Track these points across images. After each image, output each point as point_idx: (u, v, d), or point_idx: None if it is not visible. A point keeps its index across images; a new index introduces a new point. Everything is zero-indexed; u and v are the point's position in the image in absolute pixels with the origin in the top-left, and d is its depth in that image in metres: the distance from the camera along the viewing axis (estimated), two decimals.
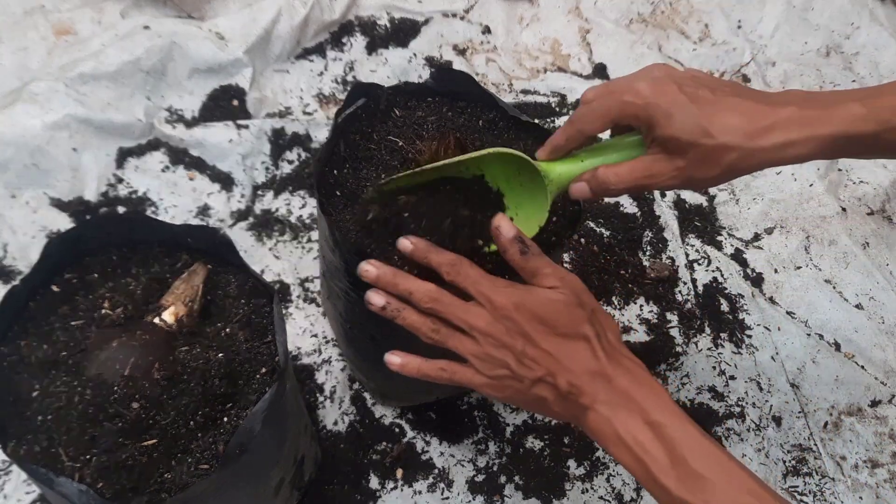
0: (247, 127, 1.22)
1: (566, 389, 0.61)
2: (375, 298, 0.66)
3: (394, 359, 0.68)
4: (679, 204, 1.31)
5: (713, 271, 1.23)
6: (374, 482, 0.96)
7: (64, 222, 1.09)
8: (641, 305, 1.17)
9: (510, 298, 0.62)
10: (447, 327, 0.64)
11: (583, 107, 0.69)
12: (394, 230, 0.70)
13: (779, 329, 1.18)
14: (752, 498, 0.55)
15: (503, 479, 0.98)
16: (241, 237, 1.14)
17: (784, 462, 1.05)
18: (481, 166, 0.72)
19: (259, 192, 1.21)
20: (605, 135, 0.75)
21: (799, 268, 1.26)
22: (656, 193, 1.29)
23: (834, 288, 1.24)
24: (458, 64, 1.43)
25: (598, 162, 0.70)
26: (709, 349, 1.14)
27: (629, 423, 0.59)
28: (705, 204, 1.33)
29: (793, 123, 0.62)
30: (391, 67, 1.39)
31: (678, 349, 1.13)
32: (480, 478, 0.98)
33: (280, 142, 1.25)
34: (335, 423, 1.00)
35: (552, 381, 0.61)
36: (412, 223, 0.70)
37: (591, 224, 1.24)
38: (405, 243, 0.66)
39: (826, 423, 1.10)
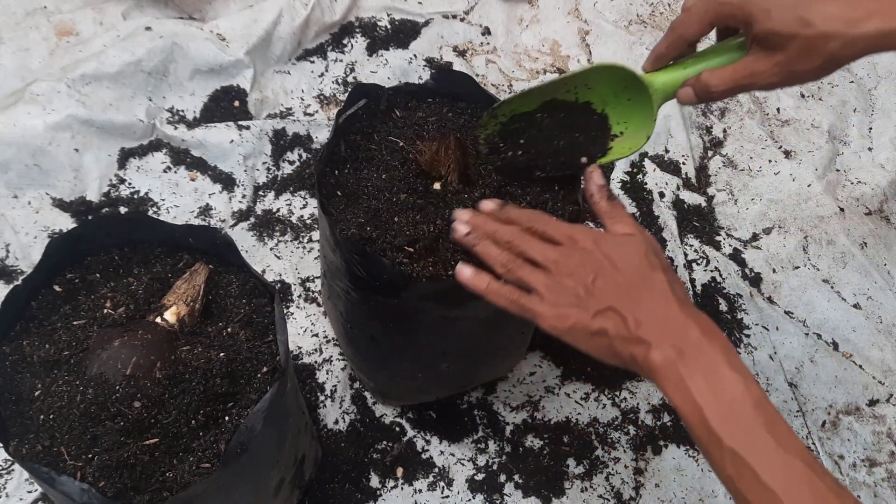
0: (248, 128, 1.23)
1: (632, 325, 0.61)
2: (460, 227, 0.71)
3: (464, 270, 0.70)
4: (678, 204, 1.31)
5: (712, 271, 1.24)
6: (374, 481, 0.96)
7: (66, 222, 1.10)
8: None
9: (590, 234, 0.66)
10: (521, 261, 0.67)
11: (682, 13, 0.70)
12: (508, 149, 0.81)
13: (777, 329, 1.18)
14: (804, 465, 0.54)
15: (503, 477, 0.99)
16: (243, 237, 1.15)
17: None
18: (588, 89, 0.76)
19: (260, 193, 1.21)
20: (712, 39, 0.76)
21: (797, 268, 1.26)
22: (655, 194, 1.30)
23: (832, 288, 1.24)
24: (459, 65, 1.43)
25: (702, 67, 0.71)
26: None
27: (695, 370, 0.59)
28: (704, 204, 1.33)
29: (894, 11, 0.62)
30: (392, 68, 1.39)
31: None
32: (480, 476, 0.99)
33: (281, 142, 1.25)
34: (336, 423, 1.01)
35: (619, 314, 0.62)
36: (524, 144, 0.80)
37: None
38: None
39: (824, 423, 1.10)
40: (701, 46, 0.73)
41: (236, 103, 1.27)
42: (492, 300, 0.68)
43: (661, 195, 1.31)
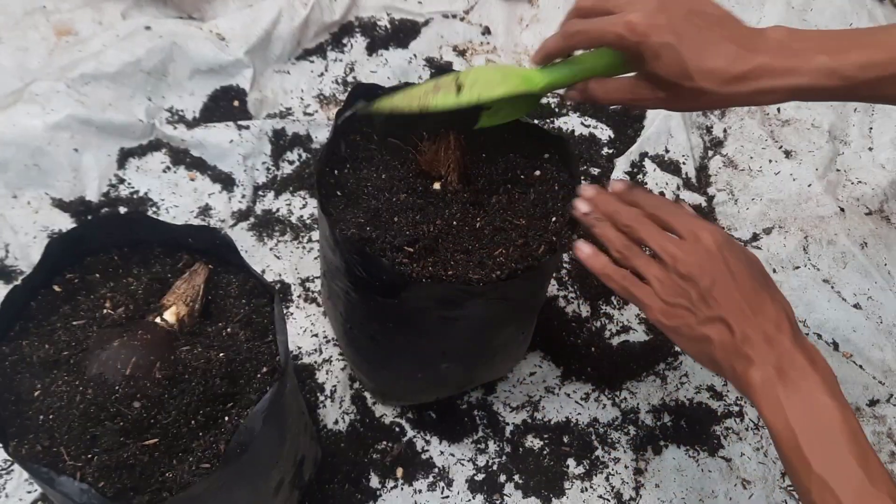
0: (247, 127, 1.22)
1: (739, 339, 0.62)
2: (580, 204, 0.73)
3: (584, 247, 0.72)
4: None
5: None
6: (374, 481, 0.96)
7: (65, 222, 1.10)
8: None
9: (715, 236, 0.65)
10: (638, 248, 0.69)
11: (578, 22, 0.72)
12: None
13: None
14: (891, 501, 0.55)
15: (503, 478, 0.99)
16: (242, 237, 1.15)
17: None
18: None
19: (260, 193, 1.21)
20: None
21: (797, 268, 1.26)
22: (655, 193, 1.30)
23: (832, 288, 1.24)
24: (458, 65, 1.43)
25: (589, 71, 0.73)
26: None
27: (793, 392, 0.59)
28: (704, 204, 1.33)
29: (766, 73, 0.65)
30: (391, 68, 1.39)
31: (677, 348, 1.13)
32: (480, 477, 0.98)
33: (281, 142, 1.25)
34: (335, 423, 1.00)
35: (728, 326, 0.62)
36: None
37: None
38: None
39: None
40: None
41: (236, 103, 1.27)
42: (604, 281, 0.71)
43: (662, 195, 1.31)
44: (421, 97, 0.74)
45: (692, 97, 0.67)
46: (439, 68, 1.41)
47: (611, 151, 1.36)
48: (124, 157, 1.18)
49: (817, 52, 0.65)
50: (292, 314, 1.09)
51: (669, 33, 0.65)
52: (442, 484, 0.97)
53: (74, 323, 0.68)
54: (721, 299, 0.63)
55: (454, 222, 0.79)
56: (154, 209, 1.15)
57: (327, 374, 1.04)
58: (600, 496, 0.99)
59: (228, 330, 0.70)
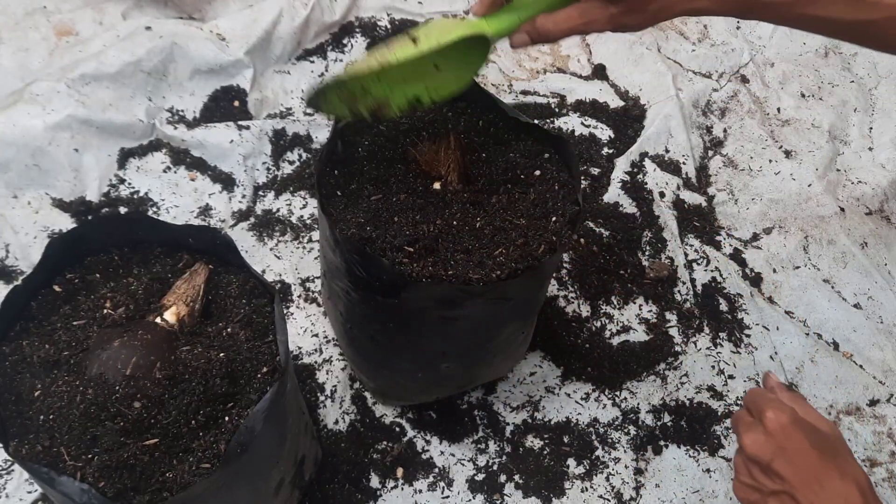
0: (248, 127, 1.22)
1: None
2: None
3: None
4: (678, 204, 1.31)
5: (712, 271, 1.24)
6: (374, 481, 0.96)
7: (65, 222, 1.10)
8: (641, 305, 1.17)
9: (778, 414, 0.69)
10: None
11: None
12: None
13: (777, 329, 1.18)
14: None
15: (503, 477, 0.99)
16: (243, 237, 1.15)
17: None
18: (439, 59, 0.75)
19: (260, 193, 1.21)
20: None
21: (797, 267, 1.26)
22: (655, 194, 1.30)
23: (832, 287, 1.24)
24: None
25: (534, 12, 0.72)
26: (708, 348, 1.14)
27: None
28: (704, 204, 1.33)
29: None
30: None
31: (677, 349, 1.13)
32: (480, 477, 0.98)
33: (281, 142, 1.25)
34: (336, 423, 1.00)
35: (793, 497, 0.65)
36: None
37: (591, 224, 1.25)
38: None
39: None
40: None
41: (236, 103, 1.27)
42: None
43: (662, 195, 1.31)
44: (378, 57, 0.72)
45: (641, 8, 0.70)
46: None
47: (611, 151, 1.36)
48: (125, 157, 1.18)
49: None
50: (292, 314, 1.09)
51: None
52: (442, 484, 0.97)
53: (75, 323, 0.68)
54: (784, 474, 0.66)
55: (454, 222, 0.79)
56: (154, 209, 1.15)
57: (327, 374, 1.04)
58: (600, 496, 0.99)
59: (229, 330, 0.70)
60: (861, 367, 1.16)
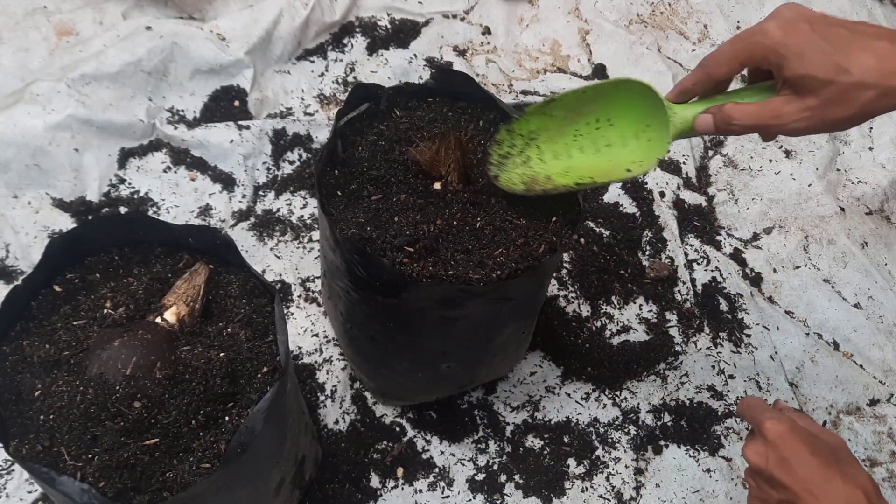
0: (248, 127, 1.23)
1: None
2: None
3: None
4: (678, 204, 1.31)
5: (712, 271, 1.24)
6: (374, 481, 0.96)
7: (66, 222, 1.10)
8: (641, 305, 1.17)
9: (775, 425, 0.69)
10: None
11: (712, 51, 0.68)
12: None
13: (777, 328, 1.18)
14: None
15: (503, 477, 0.99)
16: (243, 237, 1.15)
17: None
18: (611, 126, 0.76)
19: (260, 193, 1.21)
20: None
21: (798, 267, 1.26)
22: (655, 193, 1.30)
23: (832, 287, 1.24)
24: (459, 65, 1.43)
25: (724, 100, 0.69)
26: (708, 348, 1.14)
27: None
28: (704, 204, 1.33)
29: None
30: (392, 68, 1.39)
31: (677, 348, 1.13)
32: (481, 476, 0.98)
33: (281, 142, 1.25)
34: (336, 423, 1.01)
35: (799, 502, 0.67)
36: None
37: (591, 224, 1.25)
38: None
39: (825, 422, 1.10)
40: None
41: (236, 103, 1.27)
42: None
43: (662, 195, 1.31)
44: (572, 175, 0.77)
45: (849, 98, 0.62)
46: (439, 68, 1.41)
47: None
48: (125, 157, 1.18)
49: None
50: (293, 314, 1.09)
51: (811, 34, 0.62)
52: (442, 484, 0.97)
53: (75, 323, 0.68)
54: (786, 482, 0.67)
55: (454, 222, 0.79)
56: (154, 209, 1.15)
57: (328, 374, 1.04)
58: (601, 496, 0.99)
59: (229, 330, 0.70)
60: (861, 366, 1.16)
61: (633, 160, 0.74)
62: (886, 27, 0.65)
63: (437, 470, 0.98)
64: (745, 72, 0.71)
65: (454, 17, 1.51)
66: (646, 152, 0.74)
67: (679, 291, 1.19)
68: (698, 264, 1.24)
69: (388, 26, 1.46)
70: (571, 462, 1.01)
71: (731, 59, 0.67)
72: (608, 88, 0.75)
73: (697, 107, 0.70)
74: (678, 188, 1.32)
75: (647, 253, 1.23)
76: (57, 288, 0.71)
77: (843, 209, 1.34)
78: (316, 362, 1.05)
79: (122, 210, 1.13)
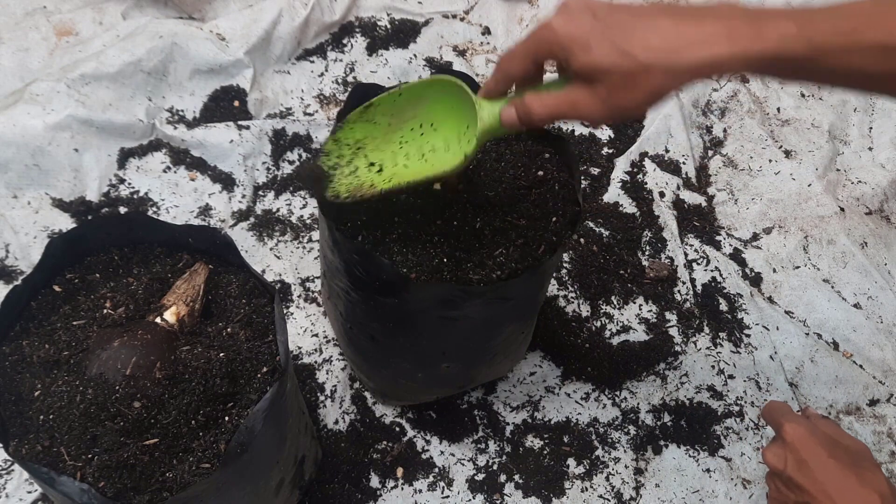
0: (248, 127, 1.23)
1: None
2: None
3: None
4: (678, 204, 1.31)
5: (712, 271, 1.24)
6: (374, 481, 0.96)
7: (65, 222, 1.10)
8: (640, 305, 1.17)
9: (794, 428, 0.71)
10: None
11: (508, 50, 0.68)
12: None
13: (777, 328, 1.18)
14: None
15: (503, 477, 0.99)
16: (242, 237, 1.15)
17: None
18: (434, 130, 0.75)
19: (260, 193, 1.21)
20: None
21: (797, 267, 1.26)
22: (655, 193, 1.30)
23: (832, 287, 1.24)
24: (458, 65, 1.43)
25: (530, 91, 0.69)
26: (708, 348, 1.14)
27: None
28: (704, 204, 1.33)
29: (720, 38, 0.58)
30: (391, 68, 1.39)
31: (677, 348, 1.13)
32: (480, 476, 0.99)
33: (281, 142, 1.25)
34: (336, 423, 1.01)
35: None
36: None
37: (591, 224, 1.25)
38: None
39: None
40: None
41: (236, 103, 1.27)
42: None
43: (662, 195, 1.31)
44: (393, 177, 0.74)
45: (635, 82, 0.60)
46: (439, 68, 1.41)
47: (611, 151, 1.36)
48: (124, 157, 1.18)
49: (780, 18, 0.59)
50: (292, 314, 1.09)
51: (595, 22, 0.60)
52: (442, 484, 0.97)
53: (75, 323, 0.68)
54: (804, 484, 0.68)
55: (454, 222, 0.79)
56: (154, 209, 1.15)
57: (327, 374, 1.04)
58: (600, 496, 0.99)
59: (229, 330, 0.70)
60: (861, 366, 1.16)
61: (453, 163, 0.72)
62: (668, 2, 0.63)
63: (436, 470, 0.98)
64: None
65: (454, 17, 1.51)
66: (464, 153, 0.72)
67: (679, 291, 1.19)
68: (698, 264, 1.24)
69: (388, 26, 1.46)
70: (571, 462, 1.01)
71: (523, 57, 0.66)
72: (422, 89, 0.73)
73: (505, 101, 0.69)
74: (678, 188, 1.32)
75: (646, 253, 1.24)
76: (57, 288, 0.71)
77: (842, 209, 1.34)
78: (316, 362, 1.05)
79: (122, 210, 1.13)
